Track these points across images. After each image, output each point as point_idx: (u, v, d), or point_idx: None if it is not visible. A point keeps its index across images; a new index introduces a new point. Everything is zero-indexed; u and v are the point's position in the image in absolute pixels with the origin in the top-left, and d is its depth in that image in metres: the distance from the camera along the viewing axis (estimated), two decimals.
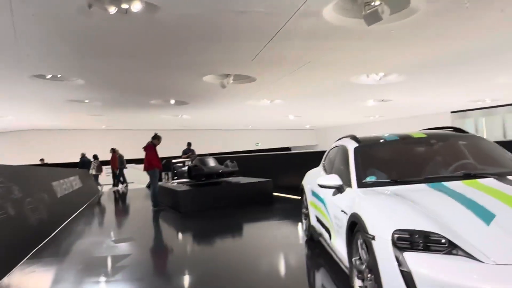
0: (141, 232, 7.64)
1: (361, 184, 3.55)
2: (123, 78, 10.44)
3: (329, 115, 20.06)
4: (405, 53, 8.67)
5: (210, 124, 23.29)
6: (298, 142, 27.77)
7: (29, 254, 5.70)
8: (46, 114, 16.30)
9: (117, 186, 18.62)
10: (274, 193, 10.36)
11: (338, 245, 3.67)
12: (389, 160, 4.14)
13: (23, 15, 5.93)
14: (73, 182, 11.96)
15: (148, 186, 13.10)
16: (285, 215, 8.13)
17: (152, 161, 9.85)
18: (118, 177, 18.80)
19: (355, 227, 3.01)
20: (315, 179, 4.23)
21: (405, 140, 4.21)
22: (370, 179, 3.60)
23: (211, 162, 10.75)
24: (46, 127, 21.46)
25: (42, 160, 18.85)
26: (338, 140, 5.02)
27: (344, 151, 4.29)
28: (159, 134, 10.33)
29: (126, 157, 23.51)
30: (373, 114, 20.09)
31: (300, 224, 6.25)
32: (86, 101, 13.82)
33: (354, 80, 11.18)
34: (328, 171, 4.81)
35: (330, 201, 3.98)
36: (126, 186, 18.78)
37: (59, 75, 10.29)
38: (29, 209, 6.67)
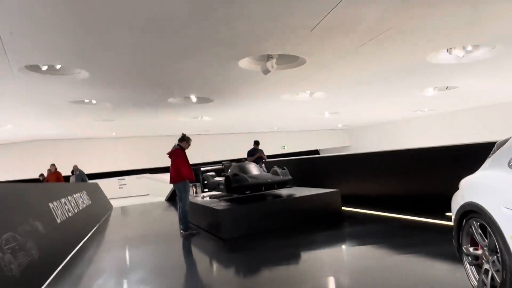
0: (175, 277, 5.23)
1: None
2: (137, 66, 8.09)
3: (370, 111, 17.53)
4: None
5: (231, 127, 20.94)
6: (328, 144, 25.24)
7: None
8: (46, 120, 14.02)
9: None
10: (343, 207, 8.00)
11: None
12: None
13: None
14: (78, 200, 9.64)
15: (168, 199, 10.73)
16: (384, 244, 5.68)
17: (182, 170, 7.47)
18: None
19: None
20: None
21: None
22: None
23: (254, 170, 8.34)
24: (46, 137, 19.19)
25: (41, 175, 16.13)
26: None
27: None
28: (187, 135, 7.96)
29: (138, 167, 21.40)
30: (424, 107, 17.48)
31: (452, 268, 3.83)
32: (94, 102, 11.53)
33: (430, 58, 8.72)
34: None
35: None
36: None
37: (57, 66, 8.00)
38: (8, 252, 4.33)
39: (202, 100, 12.45)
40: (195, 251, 6.65)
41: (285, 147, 23.71)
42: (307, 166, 11.25)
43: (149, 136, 21.77)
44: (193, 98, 12.19)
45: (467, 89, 12.87)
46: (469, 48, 8.39)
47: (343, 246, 5.93)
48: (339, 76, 10.06)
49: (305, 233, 6.67)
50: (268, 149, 23.72)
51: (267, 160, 12.27)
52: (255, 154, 11.77)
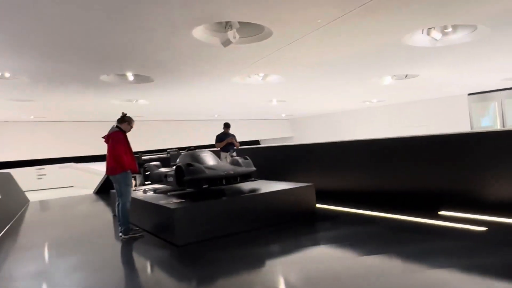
0: None
1: None
2: (62, 31, 6.33)
3: (319, 100, 16.71)
4: None
5: (169, 113, 19.20)
6: (270, 134, 24.26)
7: None
8: None
9: None
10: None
11: None
12: None
13: None
14: None
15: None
16: (366, 249, 4.63)
17: (122, 159, 5.93)
18: None
19: None
20: None
21: None
22: None
23: (210, 159, 7.00)
24: None
25: None
26: None
27: None
28: (129, 115, 6.41)
29: (61, 155, 18.97)
30: (374, 97, 16.97)
31: None
32: (7, 75, 9.40)
33: (406, 39, 7.90)
34: None
35: None
36: None
37: None
38: None
39: (141, 79, 10.76)
40: (140, 262, 5.20)
41: None
42: (272, 156, 10.02)
43: (74, 122, 19.37)
44: (130, 76, 10.47)
45: (426, 79, 12.42)
46: (449, 29, 7.67)
47: (319, 252, 4.82)
48: (303, 55, 8.96)
49: (276, 237, 5.53)
50: (208, 138, 22.35)
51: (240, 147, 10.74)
52: (224, 139, 10.20)
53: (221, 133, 10.42)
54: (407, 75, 11.70)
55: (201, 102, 15.51)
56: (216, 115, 20.89)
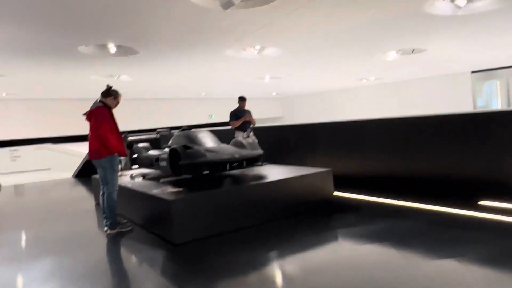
0: None
1: None
2: None
3: (316, 77, 15.78)
4: None
5: (152, 91, 18.03)
6: (259, 114, 23.10)
7: None
8: None
9: None
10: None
11: None
12: None
13: None
14: None
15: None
16: (397, 247, 3.82)
17: (108, 139, 4.95)
18: None
19: None
20: None
21: None
22: None
23: (209, 141, 6.07)
24: None
25: None
26: None
27: None
28: (115, 88, 5.41)
29: (37, 135, 17.72)
30: (373, 75, 16.08)
31: None
32: None
33: (427, 6, 7.03)
34: None
35: None
36: None
37: None
38: None
39: (124, 51, 9.64)
40: (131, 267, 4.29)
41: (213, 117, 21.32)
42: (279, 137, 8.78)
43: (51, 99, 18.05)
44: (112, 48, 9.35)
45: (434, 54, 11.60)
46: None
47: (350, 254, 3.96)
48: (308, 24, 8.02)
49: (291, 234, 4.69)
50: (194, 118, 21.31)
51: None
52: (240, 116, 8.53)
53: (236, 109, 8.79)
54: (414, 49, 10.87)
55: (189, 78, 14.43)
56: (202, 93, 19.81)
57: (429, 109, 15.86)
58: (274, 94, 22.07)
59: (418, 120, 5.95)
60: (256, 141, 7.96)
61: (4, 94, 16.21)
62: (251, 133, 8.55)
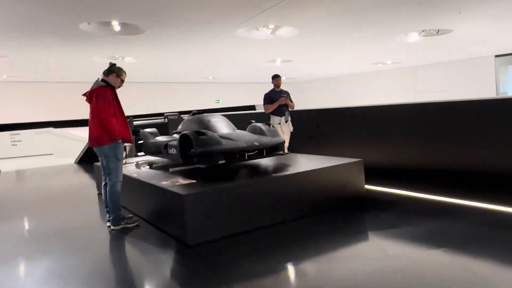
0: None
1: None
2: None
3: (330, 59, 15.05)
4: None
5: (157, 74, 17.37)
6: None
7: None
8: None
9: None
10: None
11: None
12: None
13: None
14: None
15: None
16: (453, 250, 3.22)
17: (110, 123, 4.35)
18: None
19: None
20: None
21: None
22: None
23: (224, 126, 5.46)
24: None
25: None
26: None
27: None
28: (118, 65, 4.80)
29: (39, 119, 17.18)
30: (390, 58, 15.29)
31: None
32: None
33: None
34: None
35: None
36: None
37: None
38: None
39: (129, 29, 9.00)
40: (138, 273, 3.71)
41: (220, 101, 20.69)
42: (298, 122, 7.64)
43: (52, 82, 17.46)
44: (116, 26, 8.72)
45: (460, 36, 10.85)
46: None
47: (398, 263, 3.37)
48: (328, 2, 7.35)
49: (318, 235, 4.10)
50: (201, 103, 20.69)
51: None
52: (275, 99, 7.26)
53: (271, 91, 7.50)
54: (439, 30, 10.13)
55: (197, 60, 13.73)
56: (210, 77, 19.14)
57: (448, 95, 15.16)
58: (284, 78, 21.35)
59: (472, 104, 5.12)
60: (291, 129, 7.25)
61: (4, 76, 15.64)
62: (289, 119, 7.41)
